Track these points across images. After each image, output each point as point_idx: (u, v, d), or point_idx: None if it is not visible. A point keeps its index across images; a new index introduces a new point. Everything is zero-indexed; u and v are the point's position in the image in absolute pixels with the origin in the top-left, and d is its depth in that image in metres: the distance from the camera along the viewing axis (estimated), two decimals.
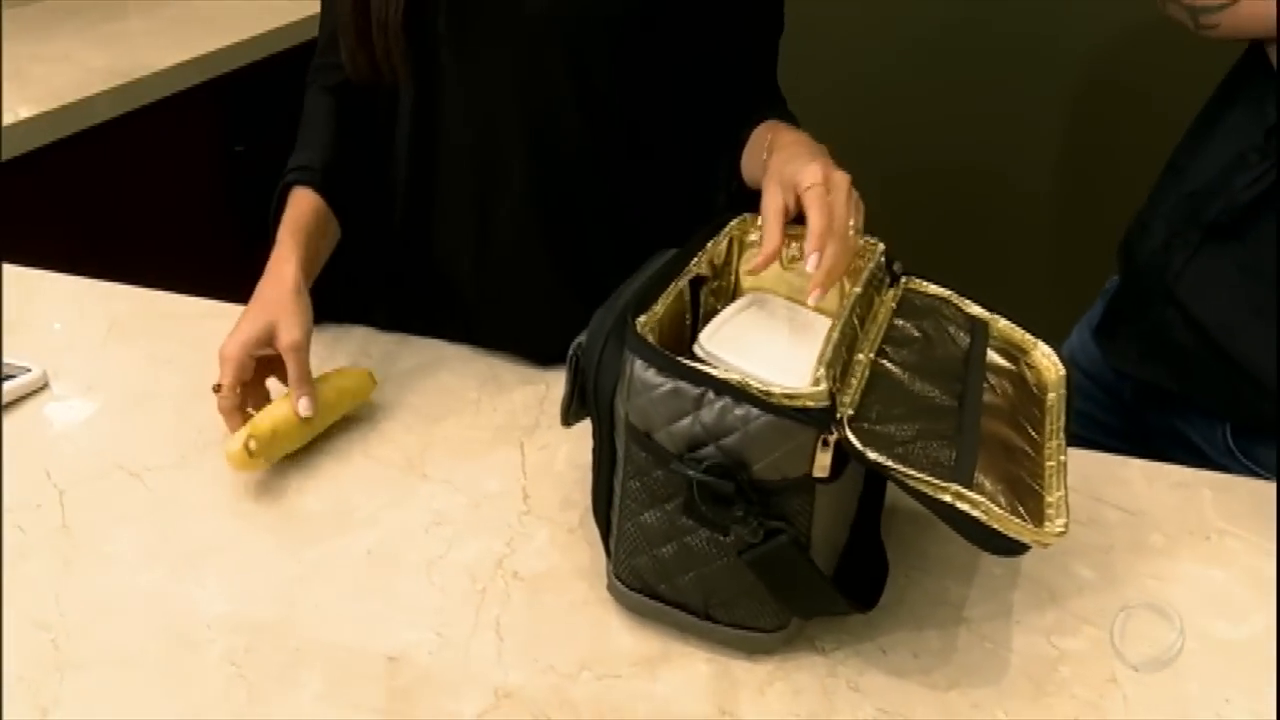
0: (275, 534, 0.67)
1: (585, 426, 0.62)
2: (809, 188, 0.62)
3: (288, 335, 0.71)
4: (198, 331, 0.89)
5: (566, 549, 0.67)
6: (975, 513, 0.50)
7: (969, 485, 0.51)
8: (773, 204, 0.64)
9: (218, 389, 0.71)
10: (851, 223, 0.63)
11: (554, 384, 0.84)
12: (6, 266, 0.99)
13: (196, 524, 0.68)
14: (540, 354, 0.86)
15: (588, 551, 0.66)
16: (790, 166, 0.66)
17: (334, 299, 0.88)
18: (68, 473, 0.72)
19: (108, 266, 1.03)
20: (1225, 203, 0.79)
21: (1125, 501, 0.73)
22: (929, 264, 0.72)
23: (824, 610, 0.59)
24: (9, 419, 0.75)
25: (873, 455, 0.51)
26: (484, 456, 0.76)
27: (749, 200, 0.72)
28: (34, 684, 0.55)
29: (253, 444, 0.68)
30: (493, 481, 0.73)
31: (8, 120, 1.33)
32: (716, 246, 0.66)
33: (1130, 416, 0.93)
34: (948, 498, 0.50)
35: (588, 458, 0.62)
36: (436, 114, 0.84)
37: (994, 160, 1.81)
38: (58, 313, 0.92)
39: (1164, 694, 0.58)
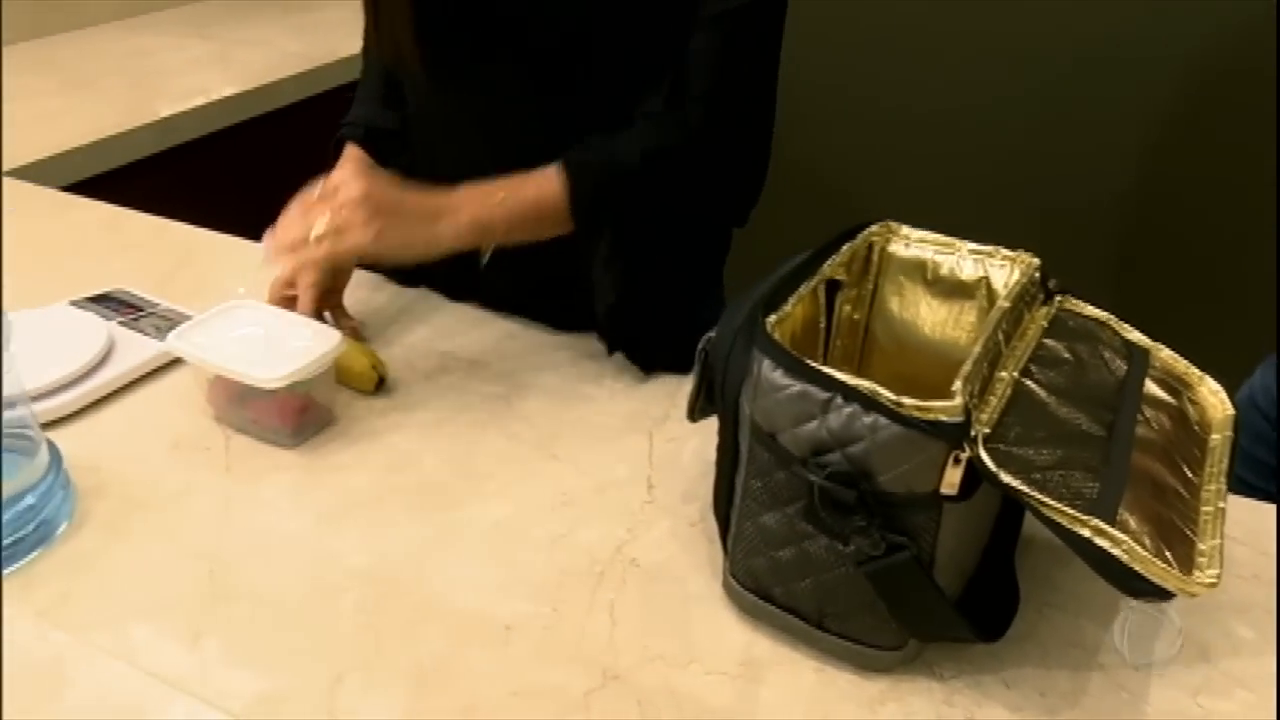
0: (412, 497, 0.71)
1: (713, 422, 0.62)
2: None
3: (303, 277, 0.83)
4: (352, 299, 0.94)
5: (686, 542, 0.67)
6: (1115, 551, 0.47)
7: (1111, 521, 0.48)
8: None
9: None
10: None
11: (687, 378, 0.84)
12: (200, 230, 1.09)
13: (343, 480, 0.72)
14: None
15: (706, 547, 0.67)
16: None
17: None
18: None
19: None
20: None
21: None
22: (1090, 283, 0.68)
23: (944, 634, 0.57)
24: (189, 366, 0.82)
25: (1007, 478, 0.49)
26: (613, 443, 0.77)
27: None
28: (190, 610, 0.61)
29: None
30: (619, 468, 0.74)
31: (212, 98, 1.46)
32: (855, 252, 0.65)
33: None
34: (1086, 532, 0.48)
35: (714, 453, 0.62)
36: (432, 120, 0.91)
37: (1190, 182, 1.69)
38: (236, 275, 1.00)
39: None
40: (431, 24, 0.82)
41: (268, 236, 0.78)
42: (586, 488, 0.72)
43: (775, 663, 0.59)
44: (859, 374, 0.53)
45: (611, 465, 0.75)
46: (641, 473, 0.74)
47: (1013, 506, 0.62)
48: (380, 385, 0.81)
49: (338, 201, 0.75)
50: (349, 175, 0.78)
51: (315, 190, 0.79)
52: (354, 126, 0.94)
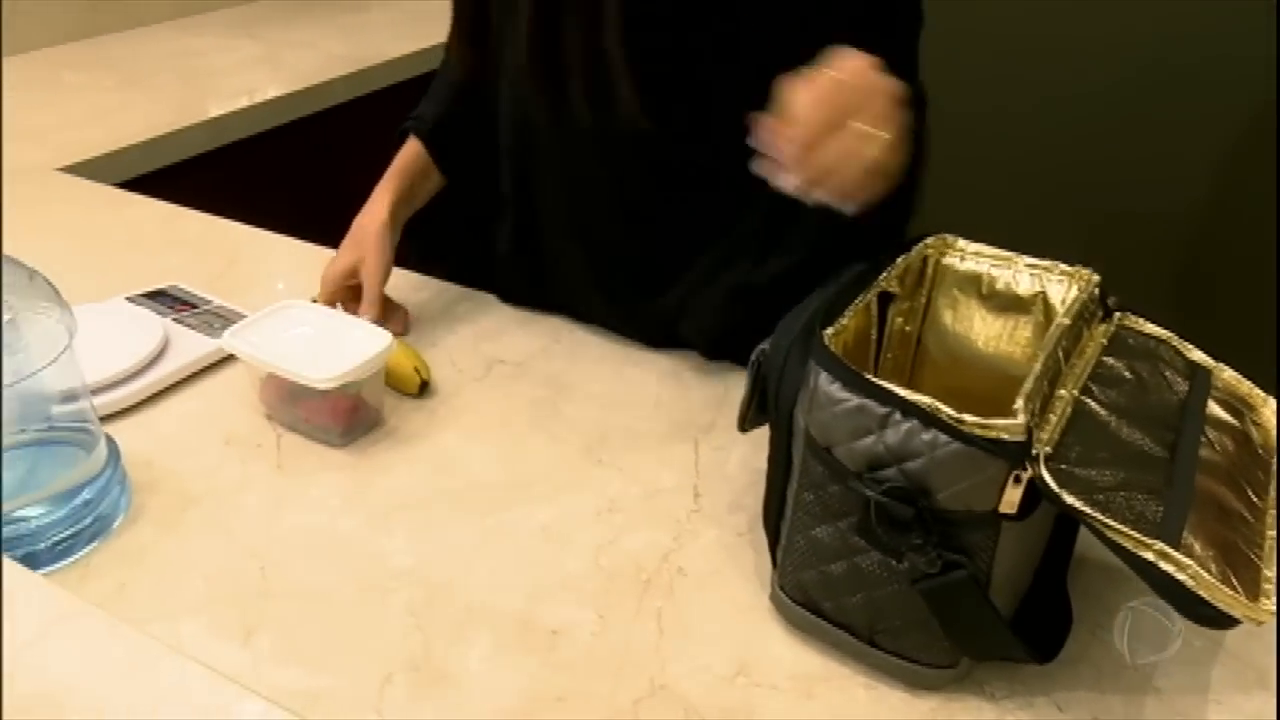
0: (458, 499, 0.71)
1: (761, 432, 0.62)
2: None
3: (368, 267, 0.87)
4: (398, 299, 0.95)
5: (733, 552, 0.67)
6: (1180, 575, 0.46)
7: (1175, 545, 0.47)
8: None
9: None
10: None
11: (734, 386, 0.84)
12: (249, 228, 1.10)
13: (391, 481, 0.73)
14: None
15: (753, 558, 0.66)
16: None
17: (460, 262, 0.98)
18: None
19: (331, 231, 1.12)
20: None
21: None
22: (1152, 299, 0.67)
23: (998, 654, 0.57)
24: (242, 364, 0.83)
25: (1069, 499, 0.48)
26: (659, 450, 0.77)
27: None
28: (242, 606, 0.62)
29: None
30: (666, 476, 0.74)
31: (259, 99, 1.48)
32: (909, 265, 0.64)
33: None
34: (1150, 555, 0.47)
35: (762, 463, 0.62)
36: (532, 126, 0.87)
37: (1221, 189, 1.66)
38: (282, 272, 1.02)
39: None
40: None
41: (783, 114, 0.57)
42: (633, 494, 0.72)
43: (825, 678, 0.58)
44: (909, 387, 0.53)
45: (658, 472, 0.75)
46: (688, 481, 0.74)
47: (1066, 526, 0.62)
48: (423, 388, 0.82)
49: (871, 84, 0.59)
50: (863, 61, 0.59)
51: (827, 70, 0.59)
52: (421, 121, 0.95)
